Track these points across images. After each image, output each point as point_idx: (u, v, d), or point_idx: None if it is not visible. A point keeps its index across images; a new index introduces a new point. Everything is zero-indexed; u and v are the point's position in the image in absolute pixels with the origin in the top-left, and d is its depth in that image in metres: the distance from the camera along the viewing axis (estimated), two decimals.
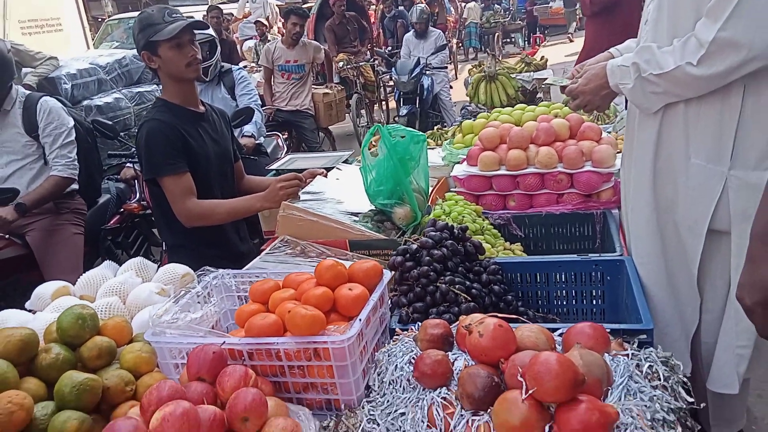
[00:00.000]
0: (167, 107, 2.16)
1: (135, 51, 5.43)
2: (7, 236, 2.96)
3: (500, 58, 5.77)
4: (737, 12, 1.35)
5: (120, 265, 1.92)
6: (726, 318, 1.61)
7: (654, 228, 1.65)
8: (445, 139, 3.23)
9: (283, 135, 5.33)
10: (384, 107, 9.85)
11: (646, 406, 1.15)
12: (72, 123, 3.18)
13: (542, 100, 4.40)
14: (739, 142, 1.47)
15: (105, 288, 1.70)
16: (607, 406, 1.11)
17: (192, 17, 2.30)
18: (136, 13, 10.84)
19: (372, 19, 11.27)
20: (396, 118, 8.30)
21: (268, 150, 4.43)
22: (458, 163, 2.56)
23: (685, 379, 1.28)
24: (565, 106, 2.35)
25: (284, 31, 10.27)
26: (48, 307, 1.68)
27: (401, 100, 7.59)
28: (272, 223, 2.60)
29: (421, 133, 2.14)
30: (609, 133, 2.70)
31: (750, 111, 1.44)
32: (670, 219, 1.62)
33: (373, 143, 3.90)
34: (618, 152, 2.11)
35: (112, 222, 3.62)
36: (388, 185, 2.08)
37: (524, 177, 2.16)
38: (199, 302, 1.56)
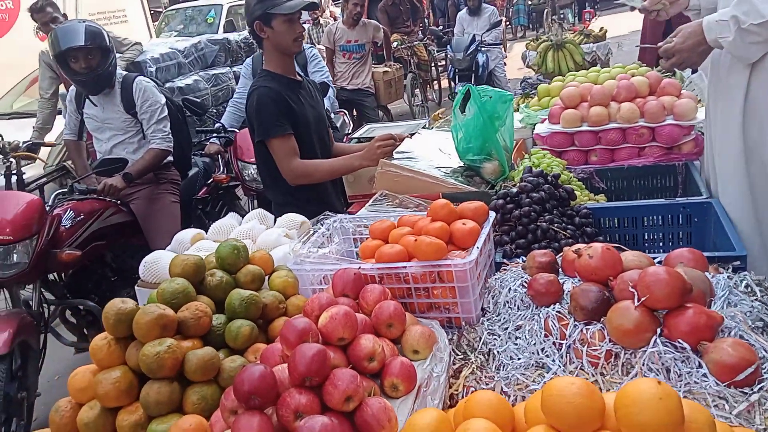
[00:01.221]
0: (271, 76, 2.38)
1: (200, 37, 5.80)
2: (117, 203, 3.26)
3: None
4: None
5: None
6: None
7: (742, 168, 1.76)
8: None
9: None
10: (437, 86, 9.95)
11: (746, 314, 1.29)
12: (164, 100, 3.45)
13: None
14: None
15: (236, 233, 1.93)
16: (713, 312, 1.25)
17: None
18: (189, 3, 11.26)
19: None
20: (451, 96, 8.40)
21: (337, 125, 4.65)
22: (535, 125, 2.69)
23: None
24: (656, 69, 2.43)
25: (336, 14, 10.46)
26: (189, 249, 1.91)
27: (456, 77, 7.69)
28: (356, 187, 2.81)
29: (508, 92, 2.28)
30: None
31: None
32: (758, 158, 1.73)
33: (440, 115, 4.05)
34: (699, 106, 2.21)
35: (201, 193, 3.91)
36: (477, 142, 2.24)
37: (606, 132, 2.28)
38: (323, 242, 1.77)
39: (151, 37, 10.12)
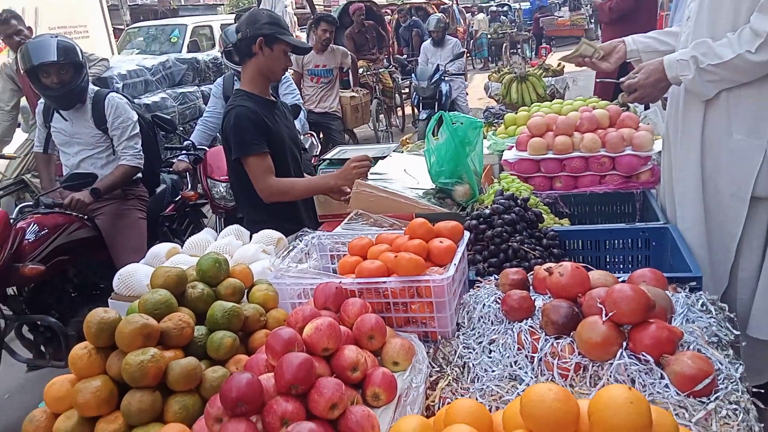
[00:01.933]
0: (248, 96, 2.42)
1: (168, 55, 5.79)
2: (83, 217, 3.20)
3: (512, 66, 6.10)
4: None
5: None
6: (764, 272, 1.85)
7: (699, 196, 1.90)
8: None
9: None
10: (400, 112, 10.15)
11: (703, 329, 1.39)
12: (136, 117, 3.44)
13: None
14: None
15: (212, 248, 1.94)
16: (674, 327, 1.34)
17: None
18: (153, 22, 11.19)
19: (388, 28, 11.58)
20: (416, 122, 8.57)
21: (306, 146, 4.70)
22: (502, 151, 2.81)
23: (732, 316, 1.51)
24: (614, 102, 2.60)
25: (301, 38, 10.58)
26: (165, 263, 1.91)
27: (420, 104, 7.88)
28: (327, 207, 2.85)
29: (478, 120, 2.39)
30: None
31: None
32: (714, 187, 1.87)
33: (407, 140, 4.15)
34: (655, 139, 2.36)
35: (168, 210, 3.88)
36: (449, 166, 2.32)
37: (570, 160, 2.40)
38: (301, 258, 1.81)
39: (113, 53, 9.99)
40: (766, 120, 1.74)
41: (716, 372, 1.25)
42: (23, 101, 4.74)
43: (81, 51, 3.21)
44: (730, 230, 1.87)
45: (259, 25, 2.36)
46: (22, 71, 3.22)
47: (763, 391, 1.41)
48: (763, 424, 1.17)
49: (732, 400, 1.20)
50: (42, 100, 3.36)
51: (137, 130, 3.40)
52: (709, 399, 1.21)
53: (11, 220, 2.87)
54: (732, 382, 1.24)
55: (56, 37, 3.15)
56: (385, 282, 1.54)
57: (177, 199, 3.93)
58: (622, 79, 2.03)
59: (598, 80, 2.14)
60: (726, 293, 1.97)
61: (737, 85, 1.76)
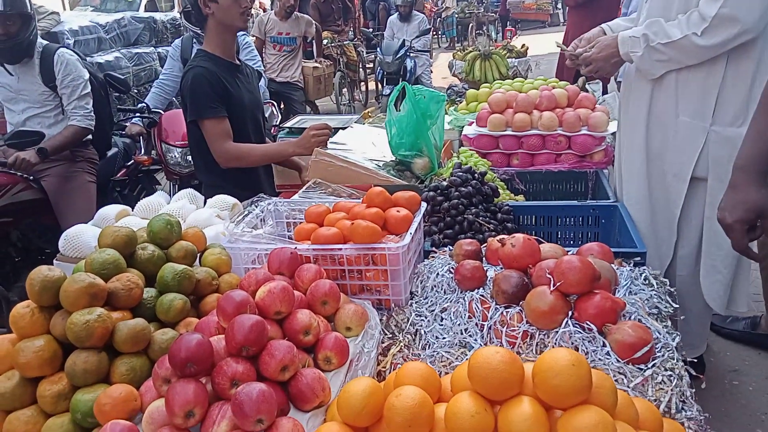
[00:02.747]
0: (208, 57, 2.35)
1: (123, 13, 5.56)
2: (28, 177, 3.07)
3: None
4: None
5: None
6: (704, 250, 1.94)
7: (644, 175, 1.97)
8: None
9: None
10: (364, 87, 10.06)
11: (645, 301, 1.45)
12: (87, 75, 3.29)
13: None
14: (720, 102, 1.79)
15: (165, 211, 1.90)
16: (617, 298, 1.40)
17: None
18: None
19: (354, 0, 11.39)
20: (379, 97, 8.52)
21: (266, 115, 4.61)
22: (462, 127, 2.83)
23: (672, 290, 1.58)
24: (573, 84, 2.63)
25: (265, 5, 10.31)
26: (114, 225, 1.85)
27: (384, 79, 7.83)
28: (285, 176, 2.83)
29: (441, 93, 2.39)
30: None
31: (730, 77, 1.76)
32: (659, 167, 1.94)
33: (369, 113, 4.13)
34: (610, 120, 2.42)
35: (119, 174, 3.75)
36: (409, 138, 2.33)
37: (528, 138, 2.44)
38: (256, 224, 1.79)
39: (64, 8, 9.52)
40: (710, 103, 1.80)
41: (654, 341, 1.31)
42: None
43: (30, 2, 3.05)
44: (672, 209, 1.95)
45: None
46: None
47: (696, 361, 1.49)
48: (693, 389, 1.24)
49: (668, 367, 1.26)
50: None
51: (88, 89, 3.26)
52: (646, 366, 1.26)
53: None
54: (669, 351, 1.30)
55: None
56: (340, 249, 1.54)
57: (129, 163, 3.80)
58: (578, 50, 2.06)
59: (557, 44, 2.15)
60: (668, 269, 2.05)
61: (686, 68, 1.81)
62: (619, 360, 1.27)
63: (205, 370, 1.14)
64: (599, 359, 1.28)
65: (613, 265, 1.55)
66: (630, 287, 1.50)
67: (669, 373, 1.24)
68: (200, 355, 1.11)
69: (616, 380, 1.23)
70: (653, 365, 1.26)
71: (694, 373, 1.31)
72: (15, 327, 1.25)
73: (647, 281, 1.57)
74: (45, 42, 3.25)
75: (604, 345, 1.30)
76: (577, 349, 1.31)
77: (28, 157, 2.92)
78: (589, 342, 1.31)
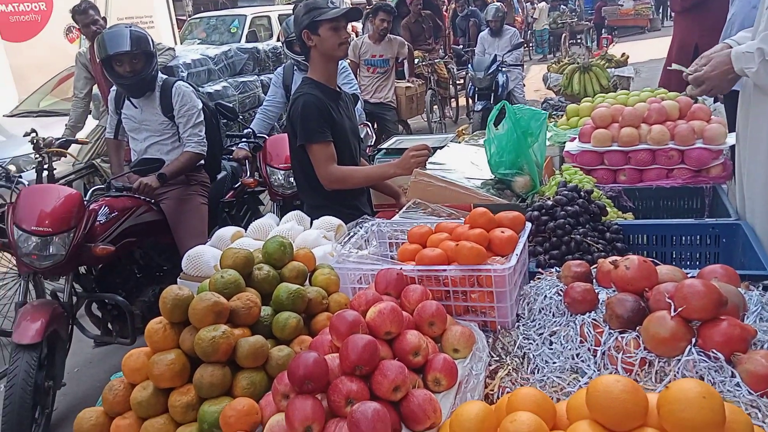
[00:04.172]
0: (315, 84, 2.47)
1: (230, 45, 5.95)
2: (149, 201, 3.35)
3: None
4: None
5: None
6: None
7: (767, 192, 1.82)
8: None
9: None
10: (454, 104, 10.07)
11: None
12: (201, 105, 3.55)
13: None
14: None
15: (275, 232, 2.00)
16: (746, 325, 1.30)
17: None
18: (214, 13, 11.53)
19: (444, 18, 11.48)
20: (470, 114, 8.49)
21: (361, 136, 4.73)
22: (563, 143, 2.76)
23: None
24: (683, 94, 2.50)
25: (357, 29, 10.62)
26: (229, 246, 1.98)
27: (476, 96, 7.79)
28: (382, 197, 2.89)
29: (542, 111, 2.35)
30: None
31: None
32: None
33: (463, 131, 4.13)
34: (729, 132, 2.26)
35: (228, 196, 3.99)
36: (510, 156, 2.30)
37: (636, 153, 2.34)
38: (361, 245, 1.84)
39: (176, 43, 10.33)
40: None
41: None
42: (95, 89, 4.97)
43: (152, 41, 3.34)
44: None
45: (299, 20, 2.44)
46: (98, 60, 3.38)
47: None
48: None
49: None
50: (114, 87, 3.52)
51: (201, 117, 3.51)
52: None
53: (85, 202, 3.03)
54: None
55: (130, 27, 3.29)
56: (445, 270, 1.54)
57: (236, 185, 4.04)
58: (688, 69, 1.96)
59: (669, 68, 2.06)
60: None
61: None
62: (752, 392, 1.17)
63: (322, 387, 1.18)
64: (728, 391, 1.19)
65: (740, 289, 1.44)
66: (761, 313, 1.39)
67: None
68: (317, 373, 1.16)
69: (748, 414, 1.14)
70: None
71: None
72: (149, 341, 1.36)
73: None
74: (164, 76, 3.55)
75: (733, 375, 1.21)
76: (702, 379, 1.23)
77: (150, 182, 3.19)
78: (716, 372, 1.23)
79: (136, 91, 3.36)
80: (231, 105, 4.66)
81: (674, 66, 2.10)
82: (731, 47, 2.08)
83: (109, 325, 3.41)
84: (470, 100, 8.53)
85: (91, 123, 5.24)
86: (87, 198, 3.14)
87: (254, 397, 1.28)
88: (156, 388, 1.32)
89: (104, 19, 4.59)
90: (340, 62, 4.49)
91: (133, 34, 3.20)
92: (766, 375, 1.17)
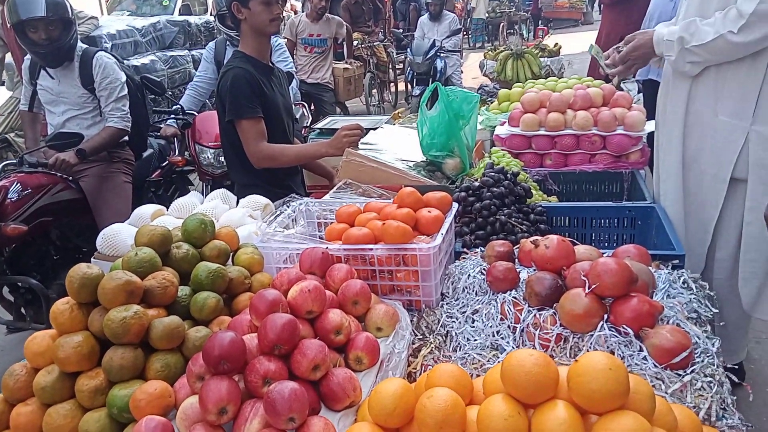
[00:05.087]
0: (246, 59, 2.39)
1: (159, 17, 5.67)
2: (67, 178, 3.15)
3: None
4: None
5: None
6: (743, 257, 1.87)
7: (680, 175, 1.92)
8: None
9: None
10: (393, 88, 10.06)
11: (683, 305, 1.41)
12: (125, 78, 3.36)
13: None
14: (761, 101, 1.73)
15: (199, 211, 1.93)
16: (655, 302, 1.36)
17: None
18: None
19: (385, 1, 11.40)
20: (408, 98, 8.51)
21: (296, 116, 4.65)
22: (494, 127, 2.80)
23: (711, 294, 1.53)
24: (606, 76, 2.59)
25: (296, 8, 10.40)
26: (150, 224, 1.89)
27: (414, 80, 7.81)
28: (316, 178, 2.85)
29: (474, 93, 2.37)
30: None
31: None
32: (696, 167, 1.89)
33: (399, 114, 4.12)
34: (649, 119, 2.36)
35: (154, 175, 3.82)
36: (441, 138, 2.31)
37: (561, 137, 2.40)
38: (288, 224, 1.80)
39: (102, 13, 9.77)
40: (751, 102, 1.75)
41: (693, 346, 1.27)
42: (8, 57, 4.62)
43: (71, 7, 3.13)
44: (709, 211, 1.90)
45: None
46: (8, 25, 3.12)
47: (737, 367, 1.44)
48: (735, 397, 1.19)
49: (707, 373, 1.22)
50: (28, 56, 3.28)
51: (125, 91, 3.33)
52: (685, 371, 1.23)
53: None
54: (708, 356, 1.26)
55: None
56: (371, 249, 1.53)
57: (164, 164, 3.87)
58: (606, 61, 2.04)
59: (590, 51, 2.15)
60: (704, 273, 2.00)
61: (725, 66, 1.77)
62: (657, 365, 1.24)
63: (238, 368, 1.15)
64: (636, 364, 1.25)
65: (650, 267, 1.51)
66: (668, 291, 1.46)
67: (709, 379, 1.20)
68: (233, 353, 1.12)
69: (653, 386, 1.20)
70: (692, 371, 1.23)
71: (736, 380, 1.27)
72: (55, 323, 1.28)
73: (686, 285, 1.52)
74: (84, 46, 3.33)
75: (641, 350, 1.27)
76: (612, 353, 1.28)
77: (68, 158, 3.00)
78: (625, 346, 1.28)
79: (53, 61, 3.14)
80: (159, 80, 4.47)
81: (593, 49, 2.17)
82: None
83: (23, 310, 3.21)
84: (409, 85, 8.54)
85: (4, 94, 4.88)
86: None
87: (169, 381, 1.23)
88: (62, 373, 1.25)
89: None
90: (275, 40, 4.41)
91: None
92: (670, 349, 1.23)
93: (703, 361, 1.24)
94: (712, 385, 1.19)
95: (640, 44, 1.95)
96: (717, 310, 1.48)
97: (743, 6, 1.66)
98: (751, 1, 1.63)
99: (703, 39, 1.75)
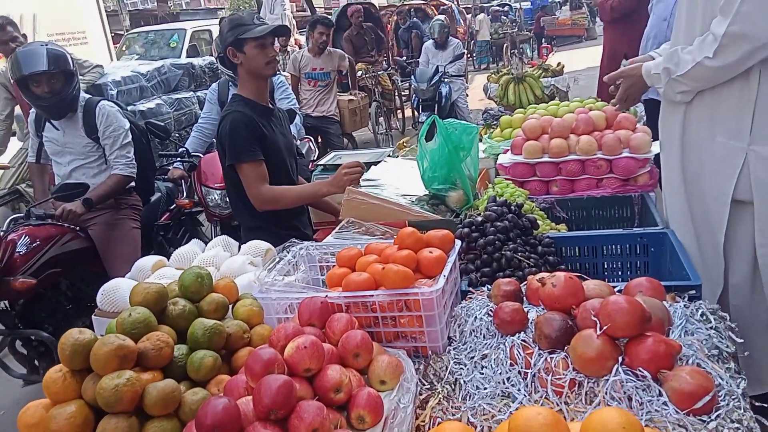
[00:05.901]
0: (244, 102, 2.39)
1: (163, 61, 5.75)
2: (75, 228, 3.16)
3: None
4: (743, 8, 1.57)
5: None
6: (764, 275, 1.79)
7: (683, 199, 1.86)
8: None
9: None
10: (400, 115, 10.10)
11: (703, 342, 1.33)
12: (128, 125, 3.39)
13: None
14: (757, 120, 1.68)
15: (199, 260, 1.90)
16: (671, 340, 1.29)
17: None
18: (152, 27, 11.20)
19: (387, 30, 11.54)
20: (416, 125, 8.53)
21: (303, 152, 4.65)
22: (497, 155, 2.76)
23: (732, 325, 1.45)
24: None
25: (301, 42, 10.55)
26: (150, 277, 1.87)
27: (420, 106, 7.83)
28: (322, 214, 2.82)
29: (473, 125, 2.33)
30: None
31: (765, 93, 1.65)
32: (697, 189, 1.84)
33: (404, 144, 4.10)
34: (654, 140, 2.30)
35: (163, 219, 3.83)
36: (442, 171, 2.27)
37: (566, 163, 2.35)
38: (288, 270, 1.76)
39: (111, 59, 9.98)
40: (747, 121, 1.70)
41: (717, 388, 1.19)
42: (17, 110, 4.71)
43: (72, 59, 3.17)
44: (716, 234, 1.83)
45: (224, 36, 2.37)
46: (12, 80, 3.18)
47: (766, 405, 1.35)
48: None
49: (734, 418, 1.14)
50: (33, 110, 3.32)
51: (129, 138, 3.36)
52: (709, 417, 1.15)
53: (1, 233, 2.83)
54: (734, 399, 1.18)
55: (46, 45, 3.11)
56: (372, 295, 1.48)
57: (172, 207, 3.88)
58: (611, 88, 2.02)
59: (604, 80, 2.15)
60: (720, 299, 1.91)
61: (719, 87, 1.73)
62: (678, 411, 1.16)
63: None
64: (656, 410, 1.17)
65: (665, 302, 1.44)
66: (685, 326, 1.38)
67: (736, 425, 1.12)
68: (227, 421, 1.07)
69: None
70: (717, 416, 1.15)
71: (766, 423, 1.18)
72: (47, 392, 1.24)
73: (704, 317, 1.44)
74: (87, 96, 3.37)
75: (660, 394, 1.19)
76: (630, 399, 1.20)
77: (75, 208, 3.01)
78: (643, 391, 1.21)
79: (56, 113, 3.18)
80: (164, 123, 4.51)
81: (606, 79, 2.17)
82: (653, 59, 2.14)
83: (36, 363, 3.19)
84: (415, 111, 8.57)
85: (15, 146, 4.96)
86: (4, 228, 2.94)
87: None
88: None
89: (24, 36, 4.35)
90: (277, 77, 4.44)
91: (50, 52, 3.03)
92: (691, 392, 1.15)
93: (728, 404, 1.16)
94: (739, 431, 1.11)
95: (633, 81, 1.98)
96: (741, 340, 1.40)
97: (715, 28, 1.63)
98: (722, 24, 1.60)
99: (685, 68, 1.74)
